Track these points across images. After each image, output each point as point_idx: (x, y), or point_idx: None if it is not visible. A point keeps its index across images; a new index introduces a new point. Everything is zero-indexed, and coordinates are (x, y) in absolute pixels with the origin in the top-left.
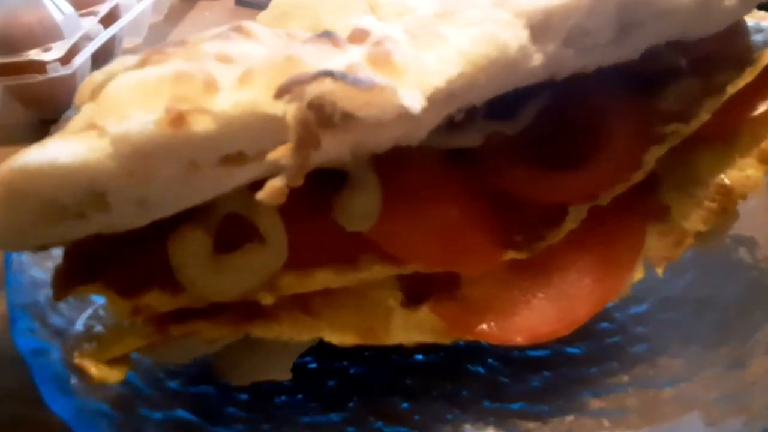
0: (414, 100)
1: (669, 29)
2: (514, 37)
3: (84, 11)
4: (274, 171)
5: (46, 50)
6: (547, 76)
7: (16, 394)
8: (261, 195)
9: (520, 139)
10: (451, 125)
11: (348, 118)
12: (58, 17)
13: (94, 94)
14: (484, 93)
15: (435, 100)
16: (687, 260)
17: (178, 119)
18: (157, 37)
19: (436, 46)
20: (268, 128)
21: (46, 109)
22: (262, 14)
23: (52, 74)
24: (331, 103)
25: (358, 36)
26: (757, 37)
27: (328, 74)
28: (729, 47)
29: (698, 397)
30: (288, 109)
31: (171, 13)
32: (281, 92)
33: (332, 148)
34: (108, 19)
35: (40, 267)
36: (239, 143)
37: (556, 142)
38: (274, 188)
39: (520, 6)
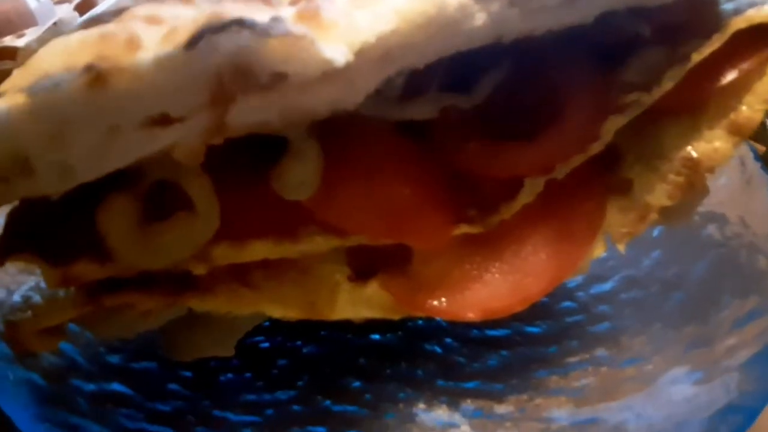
0: (337, 53)
1: None
2: None
3: None
4: (198, 132)
5: (20, 36)
6: (492, 38)
7: None
8: (177, 153)
9: (476, 112)
10: (403, 96)
11: (276, 78)
12: (32, 4)
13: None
14: (425, 55)
15: (368, 59)
16: (654, 238)
17: (97, 78)
18: None
19: (373, 4)
20: (189, 85)
21: None
22: None
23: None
24: (255, 58)
25: None
26: (727, 5)
27: (240, 23)
28: (697, 15)
29: (658, 376)
30: (204, 60)
31: None
32: (192, 42)
33: (259, 111)
34: (83, 6)
35: None
36: (161, 103)
37: (514, 115)
38: (190, 147)
39: None
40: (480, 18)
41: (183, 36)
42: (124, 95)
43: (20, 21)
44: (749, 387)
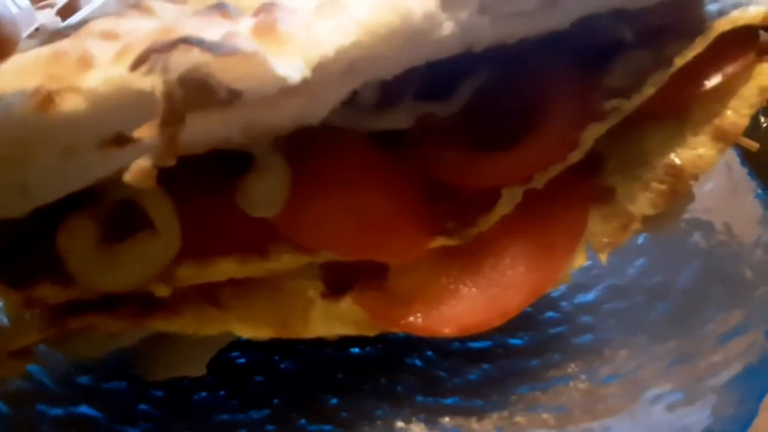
0: (291, 70)
1: None
2: (420, 3)
3: (41, 4)
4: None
5: None
6: (462, 47)
7: None
8: (128, 176)
9: (455, 121)
10: (378, 106)
11: (234, 94)
12: (13, 10)
13: None
14: (392, 66)
15: (329, 72)
16: (639, 246)
17: (47, 100)
18: None
19: (334, 15)
20: (142, 105)
21: None
22: None
23: None
24: (208, 75)
25: (264, 8)
26: (712, 7)
27: (187, 41)
28: (681, 17)
29: (640, 394)
30: (155, 81)
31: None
32: (138, 62)
33: (219, 127)
34: (66, 11)
35: None
36: (115, 123)
37: (492, 124)
38: (140, 168)
39: None
40: (448, 27)
41: (134, 55)
42: (75, 116)
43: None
44: (729, 411)
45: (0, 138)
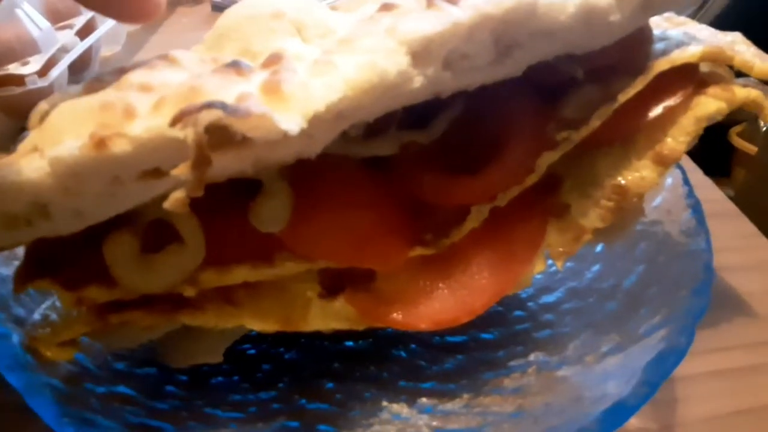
0: (291, 124)
1: (551, 47)
2: (395, 63)
3: (61, 24)
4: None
5: (24, 64)
6: (430, 95)
7: None
8: (167, 204)
9: (434, 147)
10: (366, 135)
11: (247, 139)
12: (35, 32)
13: (41, 120)
14: (372, 111)
15: (321, 120)
16: (597, 253)
17: (100, 143)
18: (136, 45)
19: (326, 73)
20: (175, 147)
21: (26, 119)
22: (208, 34)
23: (30, 86)
24: (227, 126)
25: (271, 61)
26: (659, 45)
27: (213, 105)
28: (629, 56)
29: (585, 377)
30: (187, 133)
31: None
32: (175, 121)
33: (235, 163)
34: (85, 31)
35: (6, 266)
36: (154, 161)
37: (466, 149)
38: (176, 199)
39: (404, 34)
40: (418, 81)
41: (169, 108)
42: (122, 155)
43: (23, 49)
44: (641, 390)
45: (61, 172)
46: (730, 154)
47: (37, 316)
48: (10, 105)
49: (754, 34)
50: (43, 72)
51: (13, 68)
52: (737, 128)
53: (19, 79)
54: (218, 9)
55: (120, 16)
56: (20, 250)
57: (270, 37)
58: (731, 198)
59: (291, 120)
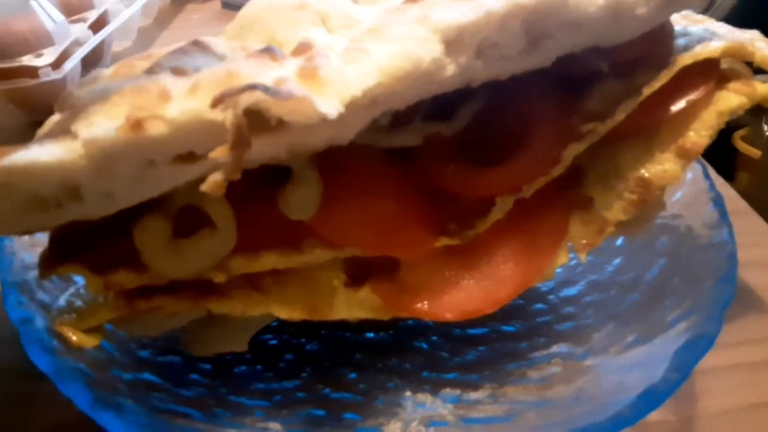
0: (330, 108)
1: (580, 38)
2: (428, 51)
3: (74, 18)
4: (219, 167)
5: (38, 56)
6: (461, 83)
7: (10, 370)
8: (204, 187)
9: (457, 138)
10: (391, 126)
11: (282, 122)
12: (49, 25)
13: (72, 102)
14: (405, 99)
15: (356, 106)
16: (617, 247)
17: (136, 124)
18: (147, 40)
19: (360, 60)
20: (211, 131)
21: (39, 111)
22: (230, 25)
23: (44, 79)
24: (265, 110)
25: (302, 49)
26: (680, 41)
27: (255, 87)
28: (652, 51)
29: (611, 366)
30: (226, 116)
31: (160, 16)
32: (216, 102)
33: (270, 148)
34: (97, 25)
35: (30, 252)
36: (189, 144)
37: (489, 141)
38: (214, 181)
39: (437, 23)
40: (450, 69)
41: (204, 92)
42: (157, 138)
43: (37, 41)
44: (672, 376)
45: (95, 154)
46: (734, 158)
47: (62, 302)
48: (23, 97)
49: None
50: (56, 64)
51: (27, 60)
52: (741, 132)
53: (32, 71)
54: (228, 6)
55: None
56: (42, 237)
57: (295, 27)
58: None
59: (330, 104)
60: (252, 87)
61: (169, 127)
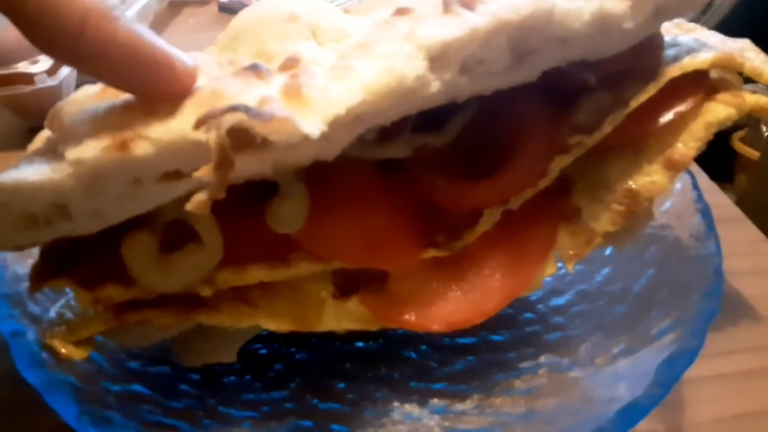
0: (313, 127)
1: (566, 53)
2: (413, 68)
3: None
4: (206, 184)
5: (34, 63)
6: (446, 100)
7: (5, 377)
8: (189, 206)
9: (446, 150)
10: (380, 138)
11: (266, 140)
12: None
13: (60, 121)
14: (390, 115)
15: (340, 123)
16: (606, 256)
17: (122, 145)
18: None
19: (345, 78)
20: (197, 150)
21: (35, 117)
22: (221, 35)
23: (39, 85)
24: (250, 129)
25: (289, 64)
26: (670, 52)
27: (237, 108)
28: (640, 63)
29: (597, 379)
30: (210, 136)
31: (156, 20)
32: (199, 123)
33: (255, 165)
34: None
35: (21, 264)
36: (174, 163)
37: (479, 151)
38: (198, 200)
39: (422, 39)
40: (435, 86)
41: (190, 111)
42: (143, 157)
43: (32, 48)
44: (655, 390)
45: (82, 173)
46: (733, 160)
47: (52, 314)
48: (19, 103)
49: (757, 39)
50: (52, 71)
51: (23, 66)
52: (739, 133)
53: (28, 78)
54: (225, 10)
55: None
56: (35, 249)
57: (285, 39)
58: (734, 203)
59: (312, 123)
60: (234, 108)
61: (155, 147)
